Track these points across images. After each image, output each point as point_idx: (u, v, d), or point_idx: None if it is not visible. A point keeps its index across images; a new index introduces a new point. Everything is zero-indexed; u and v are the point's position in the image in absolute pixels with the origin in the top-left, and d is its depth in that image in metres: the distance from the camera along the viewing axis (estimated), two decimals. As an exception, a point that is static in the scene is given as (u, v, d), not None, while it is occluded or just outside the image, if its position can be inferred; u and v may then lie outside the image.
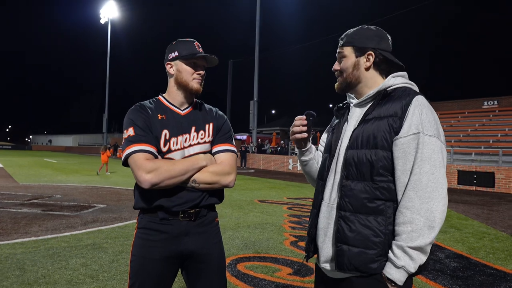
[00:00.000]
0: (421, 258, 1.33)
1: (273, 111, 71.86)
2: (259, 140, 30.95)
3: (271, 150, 28.26)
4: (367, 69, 1.53)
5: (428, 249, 1.33)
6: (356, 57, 1.53)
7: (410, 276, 1.35)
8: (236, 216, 7.15)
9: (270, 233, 5.82)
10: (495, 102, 25.57)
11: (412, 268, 1.31)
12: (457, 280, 3.98)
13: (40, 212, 7.18)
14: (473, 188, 14.01)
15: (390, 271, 1.33)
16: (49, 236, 5.30)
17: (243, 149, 25.82)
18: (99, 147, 51.37)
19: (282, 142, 29.42)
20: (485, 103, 26.02)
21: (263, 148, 28.57)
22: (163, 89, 1.92)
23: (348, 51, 1.55)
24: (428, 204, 1.31)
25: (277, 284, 3.69)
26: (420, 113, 1.36)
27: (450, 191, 13.27)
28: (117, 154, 40.20)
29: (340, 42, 1.58)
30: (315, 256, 1.59)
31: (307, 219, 6.83)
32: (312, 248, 1.58)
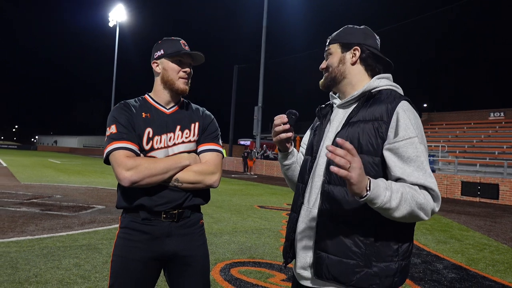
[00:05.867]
0: (397, 205, 1.18)
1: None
2: (264, 145, 30.90)
3: (274, 156, 28.17)
4: (353, 64, 1.49)
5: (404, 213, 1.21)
6: (342, 52, 1.51)
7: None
8: (234, 221, 7.10)
9: (266, 239, 5.76)
10: (502, 114, 25.42)
11: (381, 200, 1.16)
12: (454, 291, 3.90)
13: (39, 211, 7.17)
14: (477, 199, 13.84)
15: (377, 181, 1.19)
16: (45, 236, 5.28)
17: (245, 154, 25.72)
18: (104, 149, 51.51)
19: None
20: (491, 114, 25.88)
21: (265, 154, 28.52)
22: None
23: (334, 47, 1.53)
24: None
25: (270, 290, 3.64)
26: (410, 119, 1.32)
27: (453, 201, 13.16)
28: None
29: (327, 42, 1.56)
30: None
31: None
32: (290, 253, 1.53)
